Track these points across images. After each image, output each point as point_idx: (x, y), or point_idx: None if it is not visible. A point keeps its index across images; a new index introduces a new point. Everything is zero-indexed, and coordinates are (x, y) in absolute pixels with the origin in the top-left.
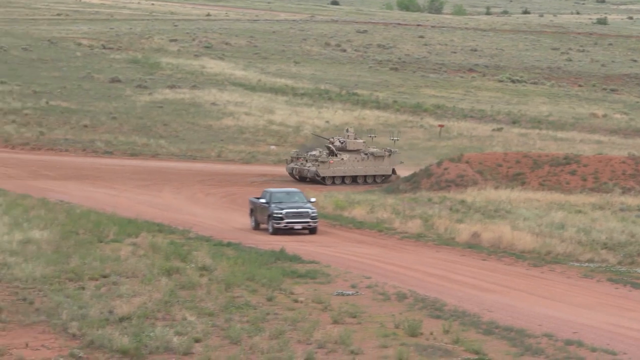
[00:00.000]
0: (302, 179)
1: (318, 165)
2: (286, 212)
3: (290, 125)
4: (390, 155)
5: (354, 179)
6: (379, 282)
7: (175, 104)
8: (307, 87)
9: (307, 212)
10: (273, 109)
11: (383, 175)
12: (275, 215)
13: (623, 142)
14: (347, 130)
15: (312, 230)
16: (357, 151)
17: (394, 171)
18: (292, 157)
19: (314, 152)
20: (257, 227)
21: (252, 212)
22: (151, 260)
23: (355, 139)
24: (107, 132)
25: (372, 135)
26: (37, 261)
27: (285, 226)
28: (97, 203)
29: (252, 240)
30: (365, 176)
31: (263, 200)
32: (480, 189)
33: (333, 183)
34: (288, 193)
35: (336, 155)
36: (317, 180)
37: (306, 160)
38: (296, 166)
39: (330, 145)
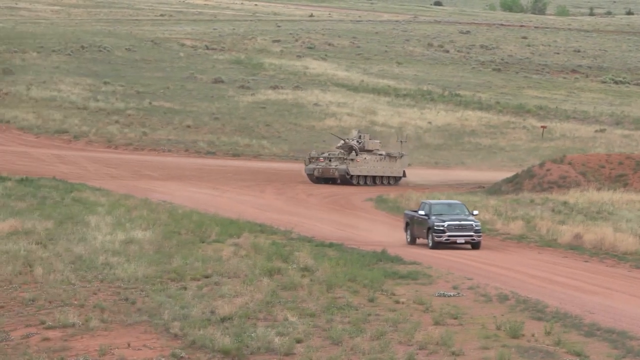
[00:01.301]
0: (323, 180)
1: (348, 163)
2: (448, 225)
3: (393, 126)
4: (401, 157)
5: (373, 180)
6: (480, 284)
7: (277, 105)
8: (410, 88)
9: (471, 225)
10: (375, 109)
11: (395, 177)
12: (436, 228)
13: None
14: (359, 131)
15: (475, 245)
16: (372, 151)
17: (404, 173)
18: (310, 157)
19: (327, 152)
20: (413, 242)
21: (408, 225)
22: (253, 261)
23: (370, 139)
24: (209, 132)
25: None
26: (139, 261)
27: (447, 240)
28: (199, 203)
29: (354, 241)
30: (382, 177)
31: (422, 213)
32: (582, 190)
33: (358, 183)
34: (449, 205)
35: (357, 155)
36: (345, 179)
37: (330, 160)
38: (319, 166)
39: (354, 144)
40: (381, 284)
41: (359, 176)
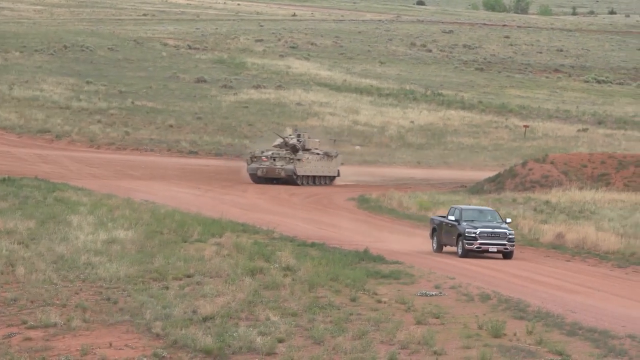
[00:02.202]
0: (265, 179)
1: (295, 163)
2: (480, 232)
3: (375, 125)
4: (336, 156)
5: (313, 179)
6: (462, 283)
7: (260, 104)
8: (392, 88)
9: (505, 233)
10: (358, 109)
11: (330, 177)
12: (467, 235)
13: None
14: (296, 129)
15: (508, 255)
16: (310, 150)
17: (338, 173)
18: (252, 157)
19: (271, 151)
20: (439, 249)
21: (434, 231)
22: (235, 260)
23: (309, 137)
24: (192, 132)
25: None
26: (121, 261)
27: (478, 248)
28: (182, 203)
29: (337, 241)
30: (321, 177)
31: (452, 218)
32: (565, 189)
33: (302, 183)
34: (481, 211)
35: (297, 153)
36: (291, 179)
37: (274, 159)
38: (262, 166)
39: (295, 143)
40: (363, 283)
41: (303, 176)
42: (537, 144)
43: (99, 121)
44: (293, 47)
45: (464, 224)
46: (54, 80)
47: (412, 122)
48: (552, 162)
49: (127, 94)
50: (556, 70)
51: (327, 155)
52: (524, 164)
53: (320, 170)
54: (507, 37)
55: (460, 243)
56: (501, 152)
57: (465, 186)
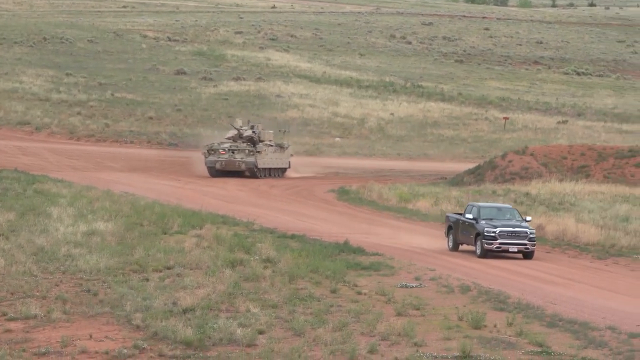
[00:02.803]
0: (223, 172)
1: (255, 156)
2: (500, 231)
3: (355, 117)
4: (287, 147)
5: (269, 171)
6: (442, 275)
7: (240, 96)
8: (372, 80)
9: (525, 232)
10: (338, 101)
11: (283, 169)
12: (486, 234)
13: None
14: (249, 121)
15: (529, 255)
16: (264, 142)
17: (289, 164)
18: (210, 149)
19: (228, 144)
20: (455, 248)
21: (450, 229)
22: (215, 252)
23: (263, 129)
24: (172, 124)
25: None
26: (101, 253)
27: (497, 247)
28: (162, 195)
29: (318, 233)
30: (276, 169)
31: (469, 216)
32: (544, 181)
33: (260, 175)
34: (499, 209)
35: (255, 146)
36: (251, 172)
37: (233, 152)
38: (221, 159)
39: (252, 135)
40: (343, 275)
41: (262, 168)
42: (516, 136)
43: (78, 113)
44: (273, 39)
45: (483, 222)
46: (33, 72)
47: (391, 114)
48: (531, 154)
49: (106, 85)
50: (536, 62)
51: (280, 147)
52: (503, 156)
53: (275, 162)
54: (486, 29)
55: (478, 242)
56: (481, 144)
57: (446, 178)
